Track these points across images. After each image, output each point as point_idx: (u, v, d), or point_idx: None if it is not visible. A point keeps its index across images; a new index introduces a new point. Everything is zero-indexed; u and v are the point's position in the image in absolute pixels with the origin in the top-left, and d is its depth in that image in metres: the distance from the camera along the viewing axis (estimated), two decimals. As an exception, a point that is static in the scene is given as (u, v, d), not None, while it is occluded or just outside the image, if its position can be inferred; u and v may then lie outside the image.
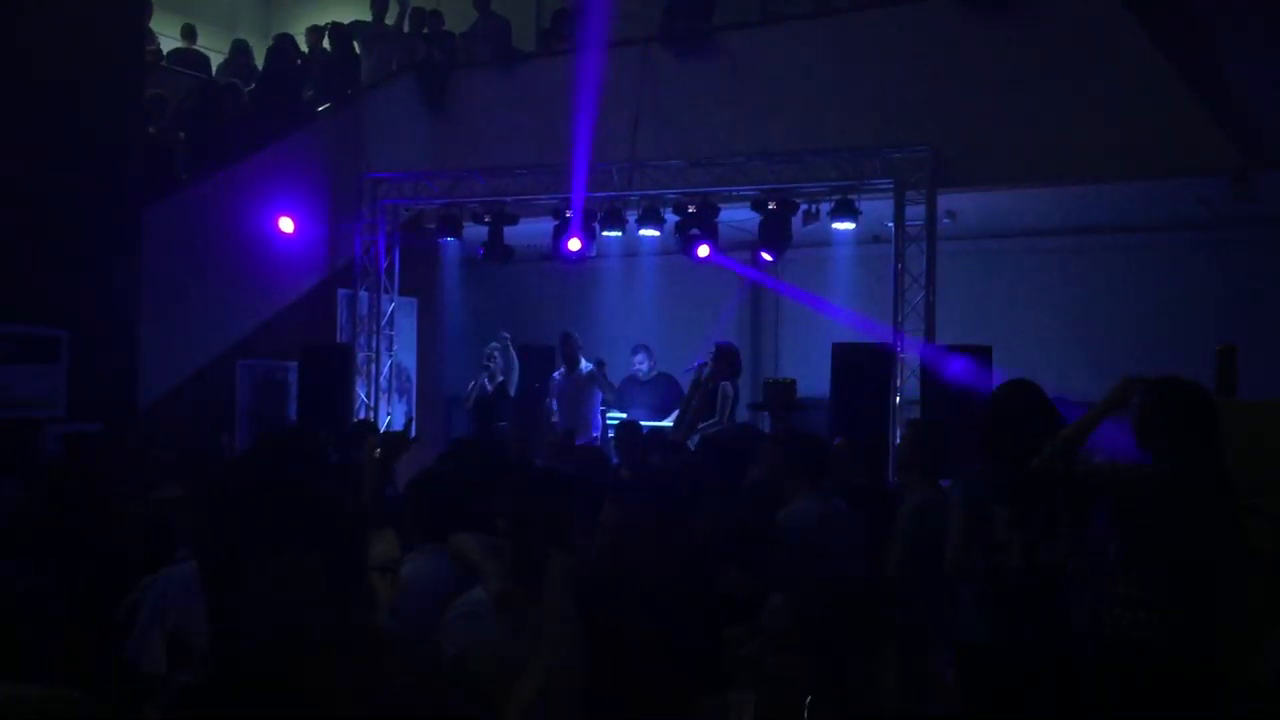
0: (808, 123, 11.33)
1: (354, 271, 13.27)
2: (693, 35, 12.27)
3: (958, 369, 9.63)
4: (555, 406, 12.12)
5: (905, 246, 10.78)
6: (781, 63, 11.71)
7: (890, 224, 10.98)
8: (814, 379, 10.75)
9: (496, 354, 12.76)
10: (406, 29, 14.90)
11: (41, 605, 3.58)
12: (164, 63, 14.29)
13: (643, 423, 10.59)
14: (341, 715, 1.39)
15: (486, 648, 3.25)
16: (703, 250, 11.63)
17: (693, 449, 8.07)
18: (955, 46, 10.83)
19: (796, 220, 11.51)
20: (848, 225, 11.19)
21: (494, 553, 3.60)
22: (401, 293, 13.61)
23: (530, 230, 12.57)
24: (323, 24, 14.83)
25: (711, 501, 5.29)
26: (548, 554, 3.25)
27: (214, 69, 14.96)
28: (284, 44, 13.63)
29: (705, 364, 10.81)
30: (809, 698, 2.88)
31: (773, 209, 11.26)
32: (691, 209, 11.65)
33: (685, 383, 11.23)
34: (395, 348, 13.70)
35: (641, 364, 12.36)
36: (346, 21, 14.75)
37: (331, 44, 14.31)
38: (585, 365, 11.96)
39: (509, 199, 12.45)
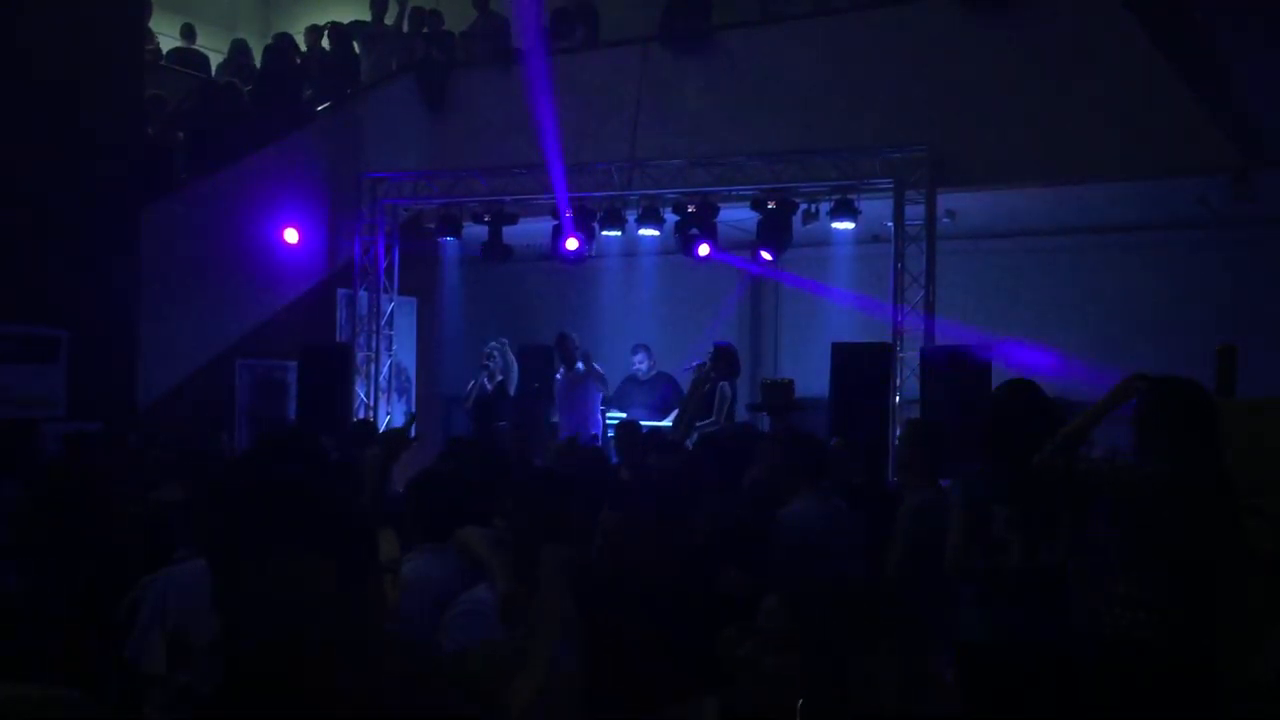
0: (807, 122, 11.33)
1: (353, 271, 13.26)
2: (692, 35, 12.28)
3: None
4: (556, 406, 12.12)
5: (905, 246, 10.78)
6: (781, 62, 11.70)
7: (890, 224, 10.98)
8: (813, 379, 10.75)
9: (495, 353, 12.76)
10: (406, 28, 14.90)
11: (41, 605, 3.58)
12: (163, 62, 14.29)
13: (642, 422, 10.58)
14: (341, 716, 1.39)
15: (487, 646, 3.24)
16: (703, 249, 11.62)
17: (690, 449, 8.06)
18: (955, 46, 10.83)
19: (796, 220, 11.51)
20: (847, 225, 11.19)
21: (500, 546, 3.59)
22: (401, 292, 13.61)
23: (529, 230, 12.57)
24: (322, 24, 14.82)
25: (711, 501, 5.29)
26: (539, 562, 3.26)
27: (213, 69, 14.96)
28: (282, 43, 13.62)
29: (705, 364, 10.81)
30: (803, 699, 2.87)
31: (772, 208, 11.25)
32: (691, 208, 11.64)
33: (685, 382, 11.23)
34: (395, 347, 13.70)
35: (641, 363, 12.36)
36: (346, 21, 14.75)
37: (331, 44, 14.30)
38: (580, 365, 11.96)
39: (508, 198, 12.45)
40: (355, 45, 14.40)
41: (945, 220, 11.36)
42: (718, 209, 11.63)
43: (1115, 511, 4.52)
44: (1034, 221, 12.56)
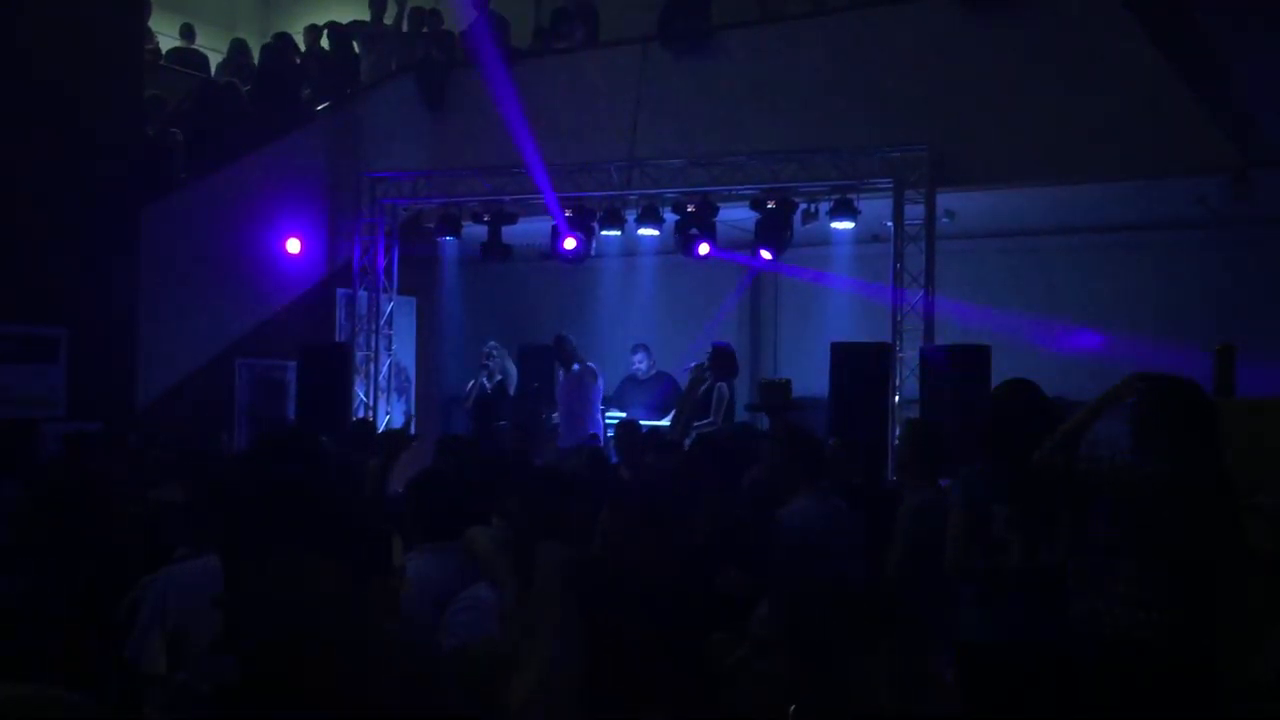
0: (806, 122, 11.33)
1: (353, 271, 13.26)
2: (692, 35, 12.28)
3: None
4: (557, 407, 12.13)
5: (904, 246, 10.78)
6: (780, 62, 11.71)
7: (889, 223, 10.97)
8: (813, 378, 10.74)
9: (494, 353, 12.77)
10: (405, 28, 14.90)
11: (41, 605, 3.58)
12: (163, 62, 14.29)
13: (642, 422, 10.59)
14: (344, 716, 1.39)
15: (488, 642, 3.24)
16: (703, 248, 11.62)
17: (689, 449, 8.06)
18: (954, 45, 10.83)
19: (796, 219, 11.50)
20: (847, 225, 11.19)
21: (507, 548, 3.59)
22: (400, 292, 13.61)
23: (529, 229, 12.57)
24: (321, 23, 14.82)
25: (710, 501, 5.29)
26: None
27: (213, 68, 14.96)
28: (280, 43, 13.63)
29: (703, 364, 10.81)
30: (797, 703, 2.87)
31: (772, 208, 11.25)
32: (690, 208, 11.64)
33: (685, 383, 11.25)
34: (394, 347, 13.70)
35: (641, 363, 12.37)
36: (345, 21, 14.73)
37: (330, 43, 14.30)
38: (575, 367, 11.97)
39: (508, 198, 12.45)
40: (355, 45, 14.39)
41: (945, 220, 11.36)
42: (717, 209, 11.63)
43: (1115, 511, 4.52)
44: (1034, 221, 12.56)
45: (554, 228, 12.13)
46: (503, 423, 11.91)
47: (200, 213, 11.37)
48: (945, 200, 10.97)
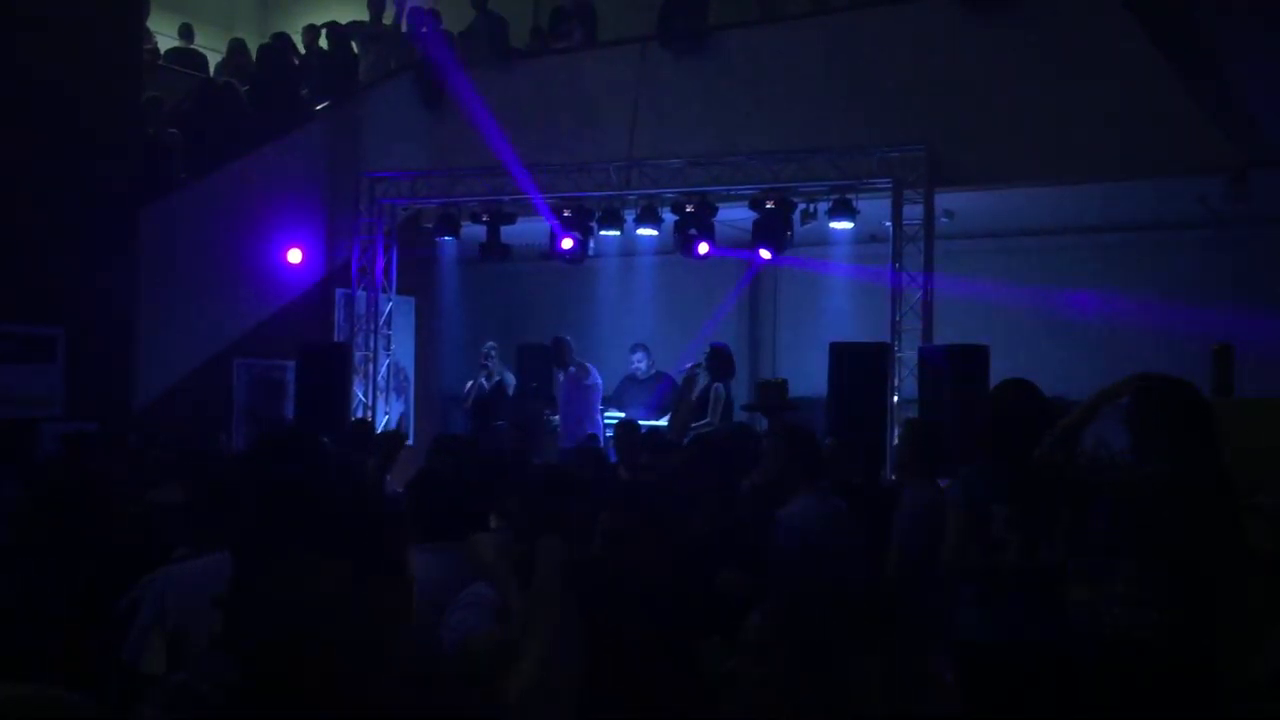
0: (805, 122, 11.33)
1: (351, 271, 13.25)
2: (690, 35, 12.28)
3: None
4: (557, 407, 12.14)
5: (903, 246, 10.77)
6: (779, 62, 11.71)
7: (888, 223, 10.97)
8: (812, 378, 10.74)
9: (493, 353, 12.77)
10: (404, 28, 14.88)
11: (41, 605, 3.57)
12: (161, 62, 14.27)
13: (641, 422, 10.59)
14: (340, 717, 1.38)
15: (488, 636, 3.24)
16: (702, 248, 11.62)
17: (687, 449, 8.06)
18: (953, 45, 10.83)
19: (795, 219, 11.50)
20: (845, 225, 11.19)
21: (508, 553, 3.58)
22: (399, 292, 13.60)
23: (528, 229, 12.57)
24: (319, 23, 14.81)
25: (710, 501, 5.29)
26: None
27: (211, 68, 14.95)
28: (278, 43, 13.62)
29: (699, 364, 10.84)
30: (791, 709, 2.87)
31: (771, 208, 11.25)
32: (689, 208, 11.63)
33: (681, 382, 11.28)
34: (393, 347, 13.69)
35: (640, 363, 12.37)
36: (344, 21, 14.72)
37: (329, 43, 14.29)
38: (572, 368, 11.97)
39: (506, 198, 12.44)
40: (354, 45, 14.38)
41: (943, 220, 11.37)
42: (716, 209, 11.63)
43: (1115, 511, 4.52)
44: (1032, 221, 12.56)
45: (552, 228, 12.14)
46: (501, 423, 11.91)
47: (199, 213, 11.36)
48: (944, 200, 10.97)
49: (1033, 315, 12.53)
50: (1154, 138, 9.95)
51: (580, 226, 12.04)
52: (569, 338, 12.17)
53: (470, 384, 12.86)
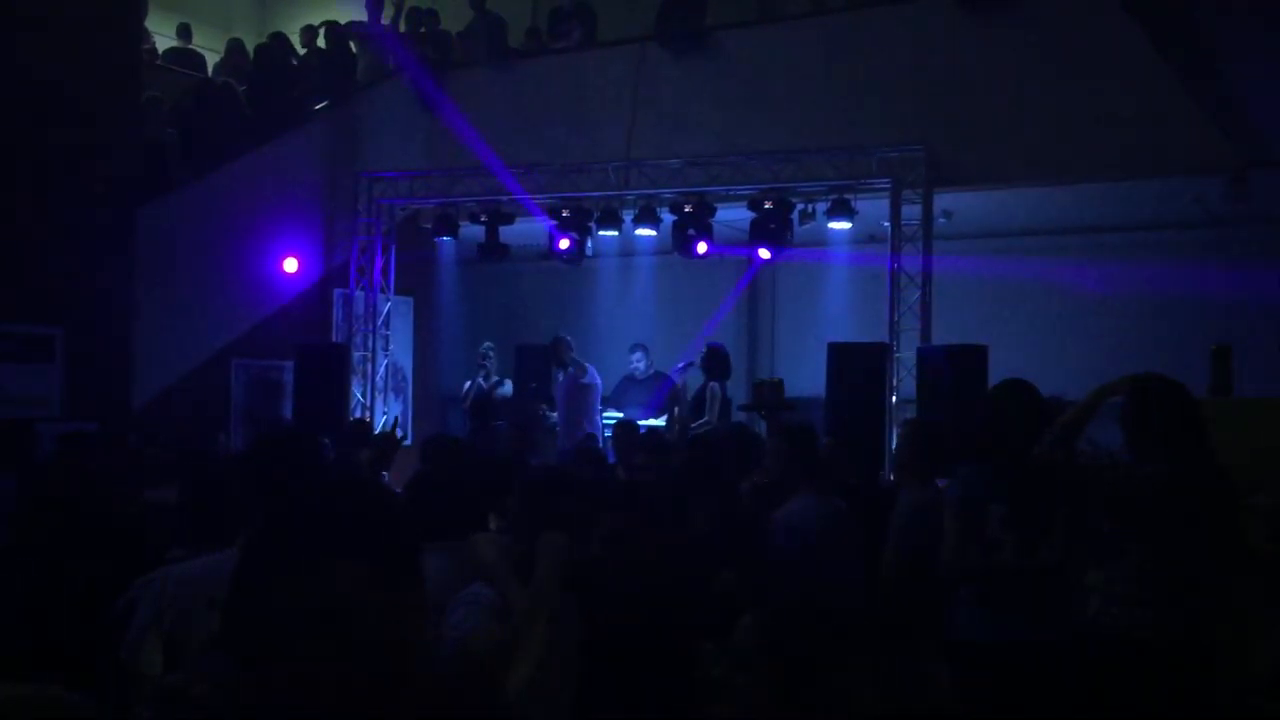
0: (804, 122, 11.34)
1: (350, 271, 13.24)
2: (689, 35, 12.28)
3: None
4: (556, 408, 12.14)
5: (901, 246, 10.78)
6: (778, 62, 11.71)
7: (886, 224, 10.98)
8: (810, 378, 10.75)
9: (491, 353, 12.77)
10: (403, 28, 14.89)
11: (41, 605, 3.57)
12: (159, 61, 14.28)
13: (640, 422, 10.61)
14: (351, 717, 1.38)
15: (487, 633, 3.25)
16: (701, 247, 11.62)
17: (685, 449, 8.07)
18: (952, 45, 10.84)
19: (793, 219, 11.50)
20: (844, 225, 11.20)
21: (508, 554, 3.59)
22: (397, 292, 13.60)
23: (526, 229, 12.57)
24: (317, 23, 14.81)
25: (709, 501, 5.29)
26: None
27: (210, 68, 14.95)
28: (275, 43, 13.62)
29: (693, 363, 10.87)
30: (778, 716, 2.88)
31: (769, 208, 11.25)
32: (688, 208, 11.64)
33: (677, 381, 11.30)
34: (391, 347, 13.69)
35: (639, 363, 12.37)
36: (343, 21, 14.72)
37: (327, 43, 14.29)
38: (570, 369, 11.97)
39: (505, 198, 12.44)
40: (351, 45, 14.37)
41: (942, 220, 11.37)
42: (714, 209, 11.63)
43: (1115, 511, 4.52)
44: (1031, 222, 12.57)
45: (551, 228, 12.15)
46: (500, 423, 11.91)
47: (197, 213, 11.35)
48: (942, 200, 10.98)
49: (1031, 315, 12.54)
50: (1153, 138, 9.95)
51: (579, 226, 12.04)
52: (568, 337, 12.16)
53: (468, 384, 12.86)
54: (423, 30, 14.40)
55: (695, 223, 11.61)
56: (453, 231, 12.74)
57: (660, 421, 11.31)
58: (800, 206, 11.47)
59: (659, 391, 12.05)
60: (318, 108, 13.28)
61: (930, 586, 5.09)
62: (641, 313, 13.79)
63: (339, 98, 13.46)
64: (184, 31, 15.51)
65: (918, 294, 10.69)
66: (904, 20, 11.16)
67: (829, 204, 11.16)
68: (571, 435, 11.42)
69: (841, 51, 11.43)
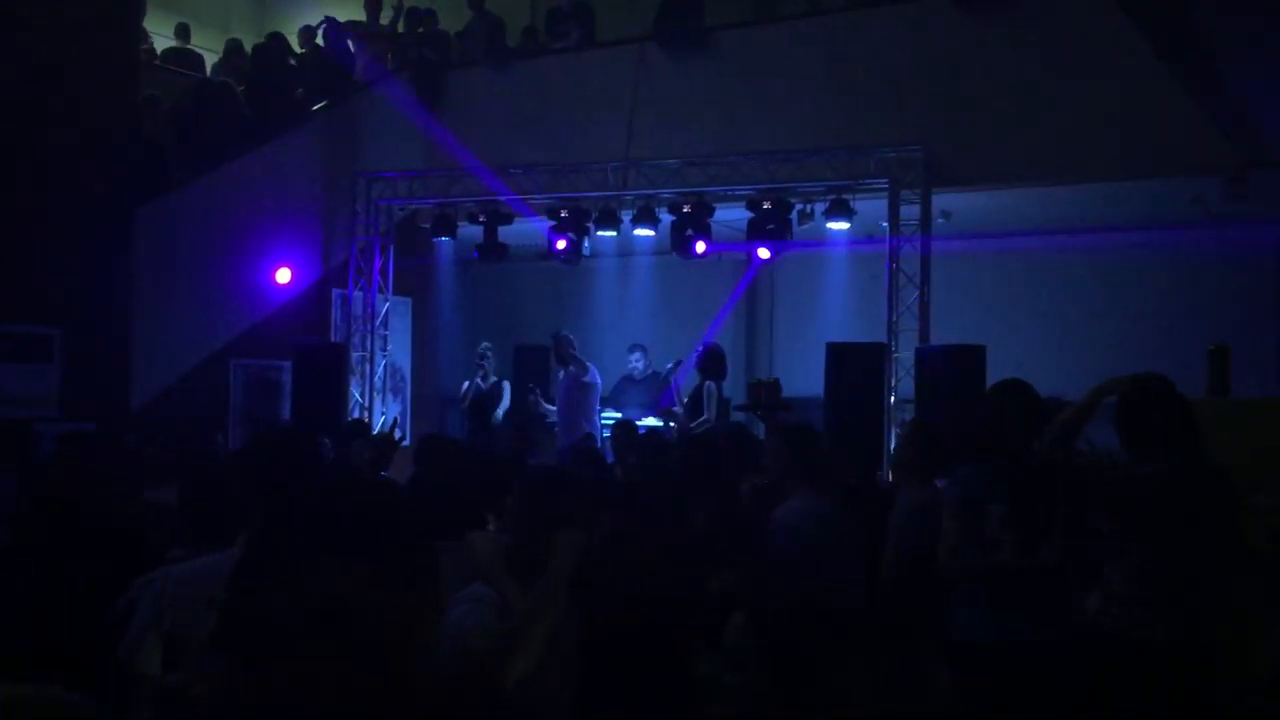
0: (802, 122, 11.34)
1: (348, 271, 13.23)
2: (687, 35, 12.28)
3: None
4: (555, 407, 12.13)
5: (900, 246, 10.77)
6: (776, 62, 11.71)
7: (885, 224, 10.98)
8: (809, 378, 10.74)
9: (489, 353, 12.76)
10: (401, 28, 14.88)
11: (41, 605, 3.57)
12: (158, 61, 14.27)
13: (638, 422, 10.60)
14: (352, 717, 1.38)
15: (486, 630, 3.25)
16: (700, 247, 11.62)
17: (684, 449, 8.06)
18: (950, 46, 10.84)
19: (792, 219, 11.50)
20: (842, 225, 11.20)
21: (504, 552, 3.59)
22: (396, 292, 13.59)
23: (525, 230, 12.56)
24: (315, 23, 14.80)
25: (709, 501, 5.28)
26: (547, 550, 3.26)
27: (208, 68, 14.94)
28: (273, 43, 13.60)
29: (680, 361, 10.88)
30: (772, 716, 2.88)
31: (768, 208, 11.25)
32: (686, 209, 11.63)
33: (676, 382, 11.30)
34: (389, 347, 13.68)
35: (638, 363, 12.36)
36: (342, 20, 14.72)
37: (325, 43, 14.28)
38: (571, 367, 11.95)
39: (504, 198, 12.43)
40: (350, 44, 14.36)
41: (940, 220, 11.38)
42: (713, 209, 11.63)
43: (1115, 511, 4.52)
44: (1029, 221, 12.57)
45: (552, 226, 12.13)
46: (500, 423, 11.90)
47: (195, 213, 11.33)
48: (941, 201, 10.98)
49: (1030, 316, 12.55)
50: (1151, 138, 9.96)
51: (577, 227, 12.03)
52: (570, 334, 12.14)
53: (467, 384, 12.85)
54: (421, 30, 14.38)
55: (694, 223, 11.61)
56: (451, 232, 12.73)
57: (660, 422, 11.30)
58: (799, 206, 11.47)
59: (665, 394, 12.03)
60: (316, 108, 13.27)
61: (930, 586, 5.09)
62: (640, 313, 13.78)
63: (337, 98, 13.45)
64: (182, 31, 15.50)
65: (916, 294, 10.69)
66: (903, 20, 11.16)
67: (827, 204, 11.16)
68: (570, 434, 11.41)
69: (840, 51, 11.44)
